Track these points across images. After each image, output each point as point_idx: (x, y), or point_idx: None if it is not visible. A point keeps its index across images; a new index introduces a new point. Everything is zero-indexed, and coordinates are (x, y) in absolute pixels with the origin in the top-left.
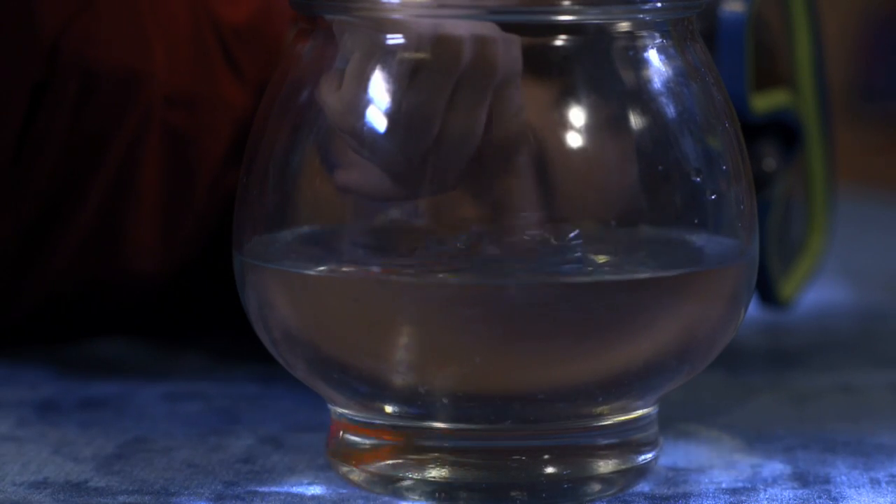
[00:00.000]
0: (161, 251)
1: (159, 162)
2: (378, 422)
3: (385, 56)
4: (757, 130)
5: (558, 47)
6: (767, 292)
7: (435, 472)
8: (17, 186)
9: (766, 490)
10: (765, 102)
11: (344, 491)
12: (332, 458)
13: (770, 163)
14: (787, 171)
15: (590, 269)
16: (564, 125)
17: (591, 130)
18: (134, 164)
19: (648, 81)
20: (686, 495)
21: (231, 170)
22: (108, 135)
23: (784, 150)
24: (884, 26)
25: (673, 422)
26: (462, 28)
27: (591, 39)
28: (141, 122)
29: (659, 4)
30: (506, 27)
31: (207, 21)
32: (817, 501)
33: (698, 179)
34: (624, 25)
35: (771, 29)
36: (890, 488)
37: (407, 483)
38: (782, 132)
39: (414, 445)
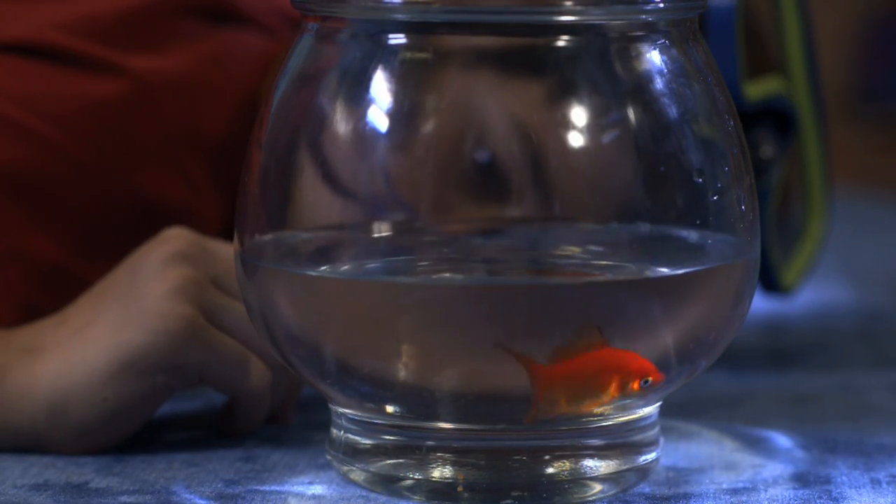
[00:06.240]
0: None
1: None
2: (379, 421)
3: None
4: (752, 118)
5: (560, 48)
6: (770, 280)
7: (436, 472)
8: None
9: (766, 490)
10: (758, 90)
11: (344, 490)
12: (333, 457)
13: (767, 150)
14: (783, 158)
15: (591, 269)
16: (566, 126)
17: (592, 131)
18: None
19: (650, 82)
20: (686, 495)
21: (225, 168)
22: None
23: (780, 137)
24: (883, 26)
25: (673, 422)
26: None
27: (593, 40)
28: None
29: (661, 5)
30: (506, 27)
31: None
32: (818, 501)
33: (700, 180)
34: (626, 26)
35: (760, 16)
36: (890, 488)
37: (407, 483)
38: (777, 119)
39: (414, 445)
